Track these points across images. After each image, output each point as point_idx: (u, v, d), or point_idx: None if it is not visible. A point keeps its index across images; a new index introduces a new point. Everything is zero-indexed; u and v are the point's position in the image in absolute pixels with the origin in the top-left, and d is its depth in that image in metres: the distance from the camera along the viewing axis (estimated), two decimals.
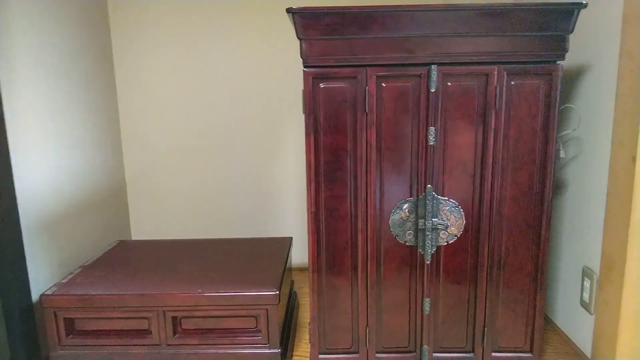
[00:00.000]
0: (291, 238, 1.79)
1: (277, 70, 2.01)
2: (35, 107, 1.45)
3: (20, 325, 1.32)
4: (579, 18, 1.13)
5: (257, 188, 2.13)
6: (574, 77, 1.44)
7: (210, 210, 2.14)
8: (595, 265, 1.34)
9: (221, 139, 2.08)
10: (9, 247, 1.29)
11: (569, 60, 1.44)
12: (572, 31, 1.13)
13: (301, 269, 2.08)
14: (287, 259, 1.57)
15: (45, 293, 1.31)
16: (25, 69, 1.40)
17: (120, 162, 2.08)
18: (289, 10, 1.09)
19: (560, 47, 1.14)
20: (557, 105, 1.17)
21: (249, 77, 2.03)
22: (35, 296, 1.38)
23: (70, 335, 1.33)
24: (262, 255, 1.59)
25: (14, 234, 1.32)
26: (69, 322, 1.33)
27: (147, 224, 2.16)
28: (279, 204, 2.14)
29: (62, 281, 1.40)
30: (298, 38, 1.14)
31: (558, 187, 1.55)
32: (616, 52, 1.22)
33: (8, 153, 1.30)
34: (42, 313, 1.31)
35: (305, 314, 1.71)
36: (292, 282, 1.81)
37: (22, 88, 1.39)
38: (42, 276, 1.44)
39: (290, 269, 1.77)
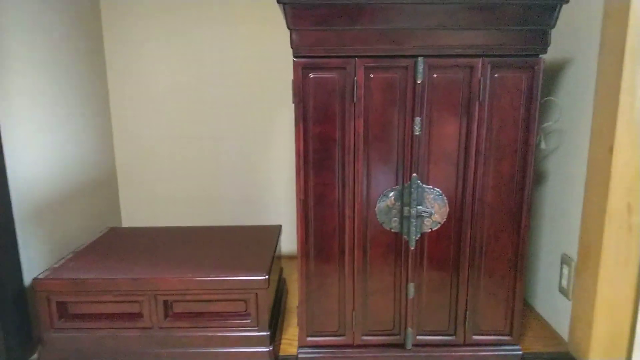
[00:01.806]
0: (280, 226, 1.82)
1: (268, 60, 2.03)
2: (27, 97, 1.46)
3: (13, 309, 1.34)
4: (561, 13, 1.16)
5: (249, 177, 2.15)
6: (556, 70, 1.48)
7: (201, 199, 2.17)
8: (574, 252, 1.40)
9: (212, 128, 2.10)
10: (2, 233, 1.31)
11: (552, 54, 1.48)
12: (554, 26, 1.17)
13: (291, 257, 2.12)
14: (276, 246, 1.60)
15: (38, 277, 1.33)
16: (16, 60, 1.41)
17: (111, 150, 2.09)
18: (279, 1, 1.11)
19: (542, 41, 1.18)
20: (538, 98, 1.21)
21: (240, 67, 2.04)
22: (27, 281, 1.40)
23: (63, 319, 1.36)
24: (252, 243, 1.62)
25: (6, 220, 1.33)
26: (62, 306, 1.35)
27: (138, 212, 2.18)
28: (270, 192, 2.17)
29: (55, 265, 1.42)
30: (288, 28, 1.16)
31: (540, 177, 1.60)
32: (596, 47, 1.27)
33: (0, 141, 1.31)
34: (35, 297, 1.33)
35: (294, 300, 1.75)
36: (282, 269, 1.85)
37: (14, 78, 1.40)
38: (34, 262, 1.46)
39: (280, 257, 1.81)
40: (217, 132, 2.10)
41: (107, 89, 2.05)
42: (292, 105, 1.21)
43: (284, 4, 1.12)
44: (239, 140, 2.11)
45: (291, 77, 1.19)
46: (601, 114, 1.25)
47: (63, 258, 1.49)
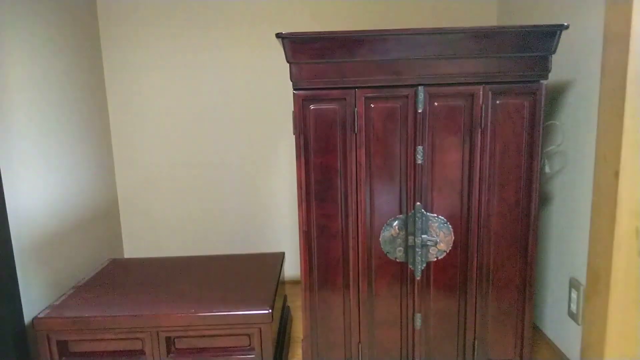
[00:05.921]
0: (283, 253, 1.80)
1: (269, 89, 2.03)
2: (26, 127, 1.45)
3: (14, 349, 1.32)
4: (562, 38, 1.16)
5: (250, 204, 2.14)
6: (558, 94, 1.48)
7: (203, 227, 2.15)
8: (582, 276, 1.37)
9: (213, 156, 2.09)
10: (1, 271, 1.29)
11: (554, 78, 1.47)
12: (554, 52, 1.16)
13: (295, 282, 2.09)
14: (279, 275, 1.58)
15: (39, 316, 1.31)
16: (16, 90, 1.41)
17: (112, 180, 2.08)
18: (278, 36, 1.11)
19: (543, 67, 1.17)
20: (541, 123, 1.20)
21: (241, 96, 2.04)
22: (28, 318, 1.38)
23: (64, 358, 1.33)
24: (254, 272, 1.60)
25: (6, 258, 1.31)
26: (63, 345, 1.33)
27: (141, 241, 2.16)
28: (273, 217, 2.15)
29: (55, 303, 1.40)
30: (288, 62, 1.16)
31: (545, 200, 1.58)
32: (598, 70, 1.26)
33: (0, 179, 1.30)
34: (36, 336, 1.31)
35: (298, 327, 1.72)
36: (285, 296, 1.82)
37: (13, 109, 1.39)
38: (35, 297, 1.44)
39: (284, 284, 1.78)
40: (218, 159, 2.09)
41: (108, 118, 2.04)
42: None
43: (283, 38, 1.11)
44: (240, 166, 2.10)
45: (292, 106, 1.19)
46: (605, 138, 1.24)
47: (64, 294, 1.47)
